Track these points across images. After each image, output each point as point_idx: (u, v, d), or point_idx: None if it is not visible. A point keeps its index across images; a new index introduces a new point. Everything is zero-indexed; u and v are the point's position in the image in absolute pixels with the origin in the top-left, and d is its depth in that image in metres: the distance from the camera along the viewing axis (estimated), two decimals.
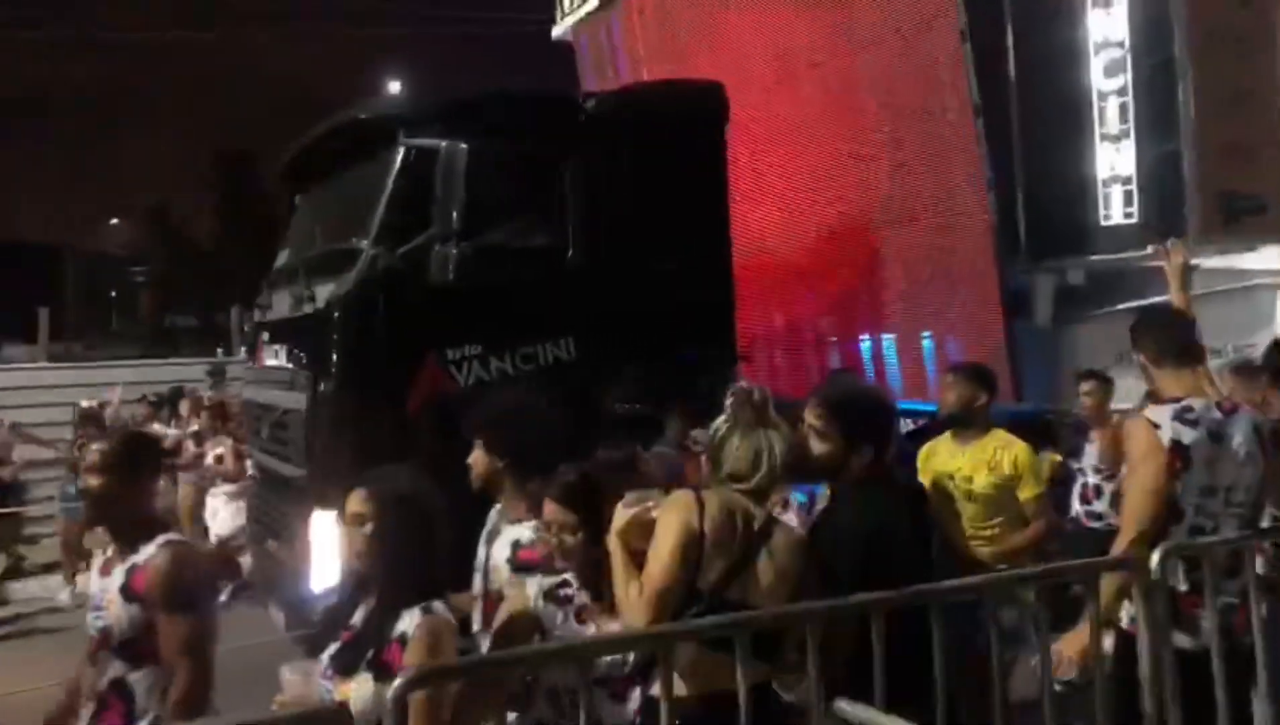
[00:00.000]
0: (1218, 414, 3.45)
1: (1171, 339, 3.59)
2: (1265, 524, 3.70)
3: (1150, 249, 7.08)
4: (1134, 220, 6.75)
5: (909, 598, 2.70)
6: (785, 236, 8.48)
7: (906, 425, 6.95)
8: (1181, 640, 3.23)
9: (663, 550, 2.74)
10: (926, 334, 7.38)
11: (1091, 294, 8.18)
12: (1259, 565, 3.44)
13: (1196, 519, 3.40)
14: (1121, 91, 6.72)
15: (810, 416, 3.11)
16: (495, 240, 6.28)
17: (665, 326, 6.69)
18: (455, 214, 6.00)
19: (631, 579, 2.85)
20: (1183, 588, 3.33)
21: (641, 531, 2.88)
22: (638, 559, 2.84)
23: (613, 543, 2.92)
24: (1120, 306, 8.25)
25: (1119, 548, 3.38)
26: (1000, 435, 4.65)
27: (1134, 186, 6.70)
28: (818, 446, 3.10)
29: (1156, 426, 3.40)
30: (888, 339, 7.69)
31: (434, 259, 5.97)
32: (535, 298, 6.39)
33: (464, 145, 6.01)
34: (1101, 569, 3.26)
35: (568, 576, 3.11)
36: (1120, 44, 6.71)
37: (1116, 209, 6.77)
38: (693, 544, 2.71)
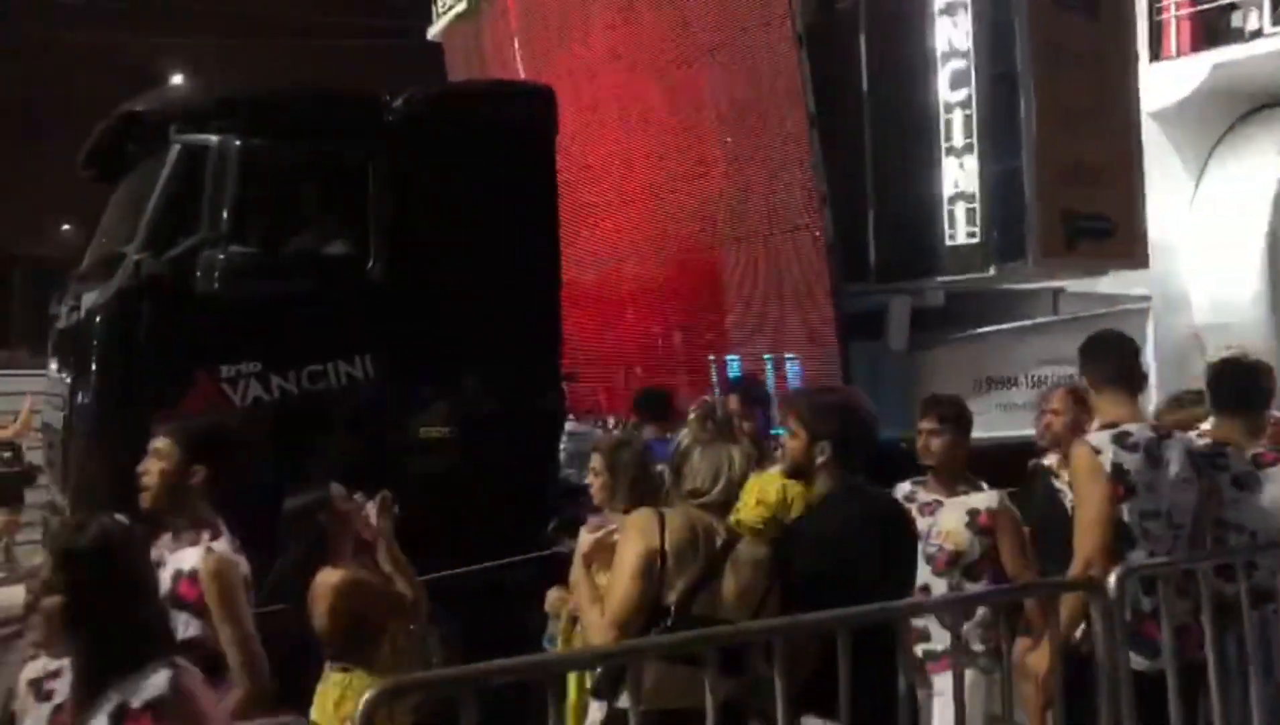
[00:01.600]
0: (1152, 437, 3.58)
1: (1112, 364, 3.71)
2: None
3: (991, 270, 6.84)
4: (976, 240, 6.37)
5: (873, 614, 2.77)
6: (633, 252, 8.09)
7: None
8: (1137, 662, 3.32)
9: (624, 571, 2.75)
10: (768, 357, 7.00)
11: (950, 317, 7.82)
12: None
13: (1146, 544, 3.49)
14: (966, 104, 6.39)
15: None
16: (276, 247, 5.82)
17: (479, 346, 6.26)
18: (225, 218, 5.52)
19: (595, 602, 2.88)
20: (1142, 609, 3.43)
21: (606, 555, 2.92)
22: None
23: (577, 568, 2.97)
24: (980, 330, 7.91)
25: (1074, 571, 3.47)
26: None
27: (977, 205, 6.32)
28: (789, 444, 3.19)
29: (1098, 451, 3.50)
30: (732, 360, 7.31)
31: (201, 266, 5.48)
32: (326, 311, 5.94)
33: (238, 143, 5.53)
34: (1061, 589, 3.42)
35: None
36: (965, 54, 6.37)
37: (961, 228, 6.41)
38: (654, 562, 2.71)
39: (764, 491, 3.56)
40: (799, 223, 6.49)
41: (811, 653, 2.77)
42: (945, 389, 5.63)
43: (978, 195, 6.46)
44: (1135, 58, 6.78)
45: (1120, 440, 3.52)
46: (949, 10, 6.60)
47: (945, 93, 6.65)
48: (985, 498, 4.29)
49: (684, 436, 3.17)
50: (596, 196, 8.50)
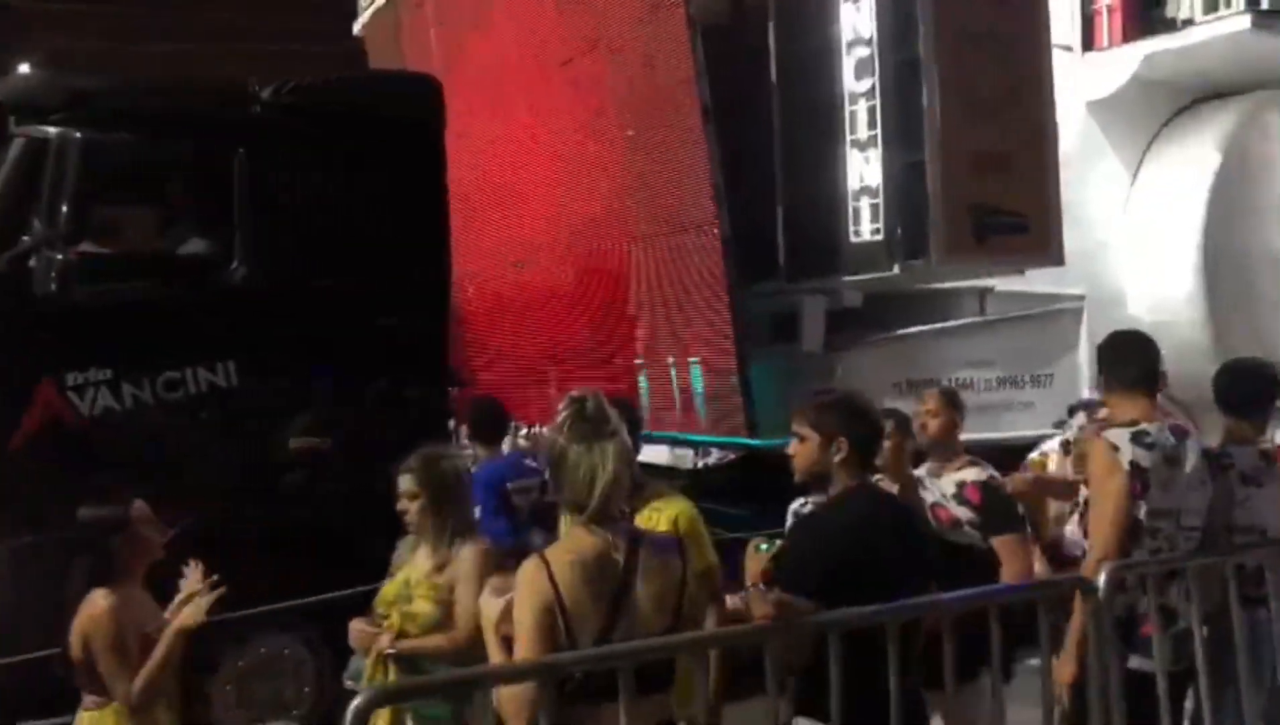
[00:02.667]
0: (1171, 438, 3.64)
1: (1136, 367, 3.76)
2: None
3: (895, 269, 6.54)
4: (880, 237, 6.07)
5: (866, 616, 2.78)
6: (547, 252, 7.77)
7: None
8: (1134, 661, 3.43)
9: (522, 638, 2.59)
10: (671, 361, 6.69)
11: (870, 317, 7.53)
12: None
13: (1154, 542, 3.56)
14: (870, 95, 6.09)
15: (793, 425, 3.17)
16: (127, 247, 5.52)
17: (356, 351, 5.95)
18: (65, 216, 5.20)
19: None
20: (1141, 609, 3.48)
21: (509, 617, 2.70)
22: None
23: (489, 637, 2.78)
24: (901, 331, 7.62)
25: (1087, 570, 3.50)
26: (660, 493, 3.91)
27: (880, 200, 6.02)
28: (799, 452, 3.14)
29: (1115, 448, 3.56)
30: (640, 363, 7.00)
31: (39, 267, 5.16)
32: (184, 314, 5.63)
33: (79, 136, 5.20)
34: (1063, 589, 3.49)
35: None
36: (868, 41, 6.07)
37: (865, 224, 6.11)
38: (553, 618, 2.54)
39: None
40: (698, 219, 6.17)
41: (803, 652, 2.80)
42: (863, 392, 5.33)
43: (881, 190, 6.15)
44: (1049, 44, 6.47)
45: (1139, 439, 3.58)
46: None
47: (850, 82, 6.35)
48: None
49: (554, 438, 2.74)
50: (508, 194, 8.18)
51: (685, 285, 6.36)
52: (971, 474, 4.45)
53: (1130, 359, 3.80)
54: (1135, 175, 9.18)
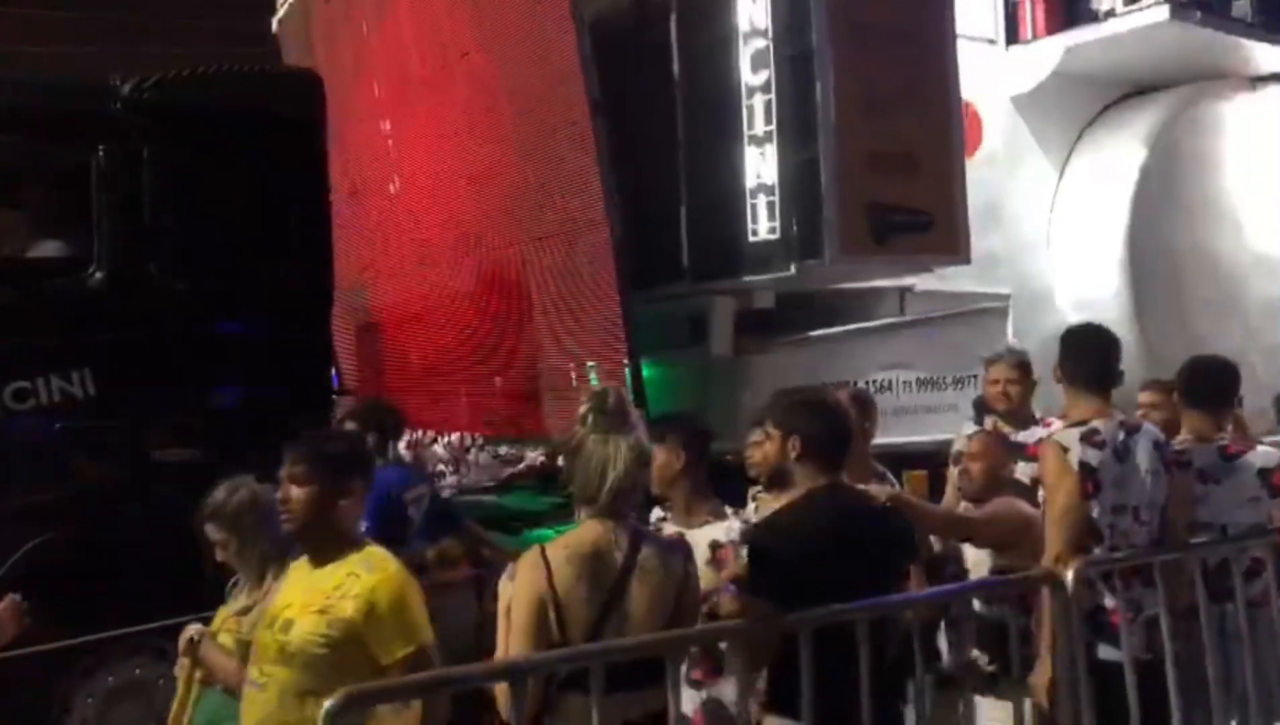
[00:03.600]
0: (1122, 434, 3.68)
1: (1093, 363, 3.78)
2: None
3: (792, 269, 6.31)
4: (776, 236, 5.84)
5: (835, 615, 2.78)
6: (441, 255, 7.50)
7: None
8: (1104, 652, 3.48)
9: (516, 628, 2.62)
10: (570, 366, 6.43)
11: (784, 319, 7.31)
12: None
13: (1113, 539, 3.60)
14: (766, 88, 5.87)
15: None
16: None
17: (229, 358, 5.66)
18: None
19: None
20: (1108, 603, 3.54)
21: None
22: None
23: (501, 623, 2.77)
24: (814, 333, 7.40)
25: (1043, 567, 3.55)
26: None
27: (776, 197, 5.79)
28: (765, 450, 3.23)
29: (1065, 449, 3.61)
30: (540, 368, 6.74)
31: None
32: (35, 320, 5.33)
33: None
34: (1024, 587, 3.63)
35: None
36: (764, 33, 5.84)
37: (763, 223, 5.89)
38: (545, 610, 2.57)
39: None
40: (588, 219, 5.92)
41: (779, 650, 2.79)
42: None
43: (777, 187, 5.92)
44: (954, 37, 6.25)
45: (1088, 438, 3.61)
46: None
47: (747, 76, 6.11)
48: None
49: (577, 430, 2.73)
50: (414, 194, 7.91)
51: (579, 288, 6.10)
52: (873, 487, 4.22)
53: (1087, 355, 3.80)
54: (1063, 172, 9.02)
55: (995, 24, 8.74)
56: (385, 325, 8.49)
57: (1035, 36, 8.59)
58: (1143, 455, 3.68)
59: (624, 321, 5.76)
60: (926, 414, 7.92)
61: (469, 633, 6.74)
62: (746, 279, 6.31)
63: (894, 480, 4.31)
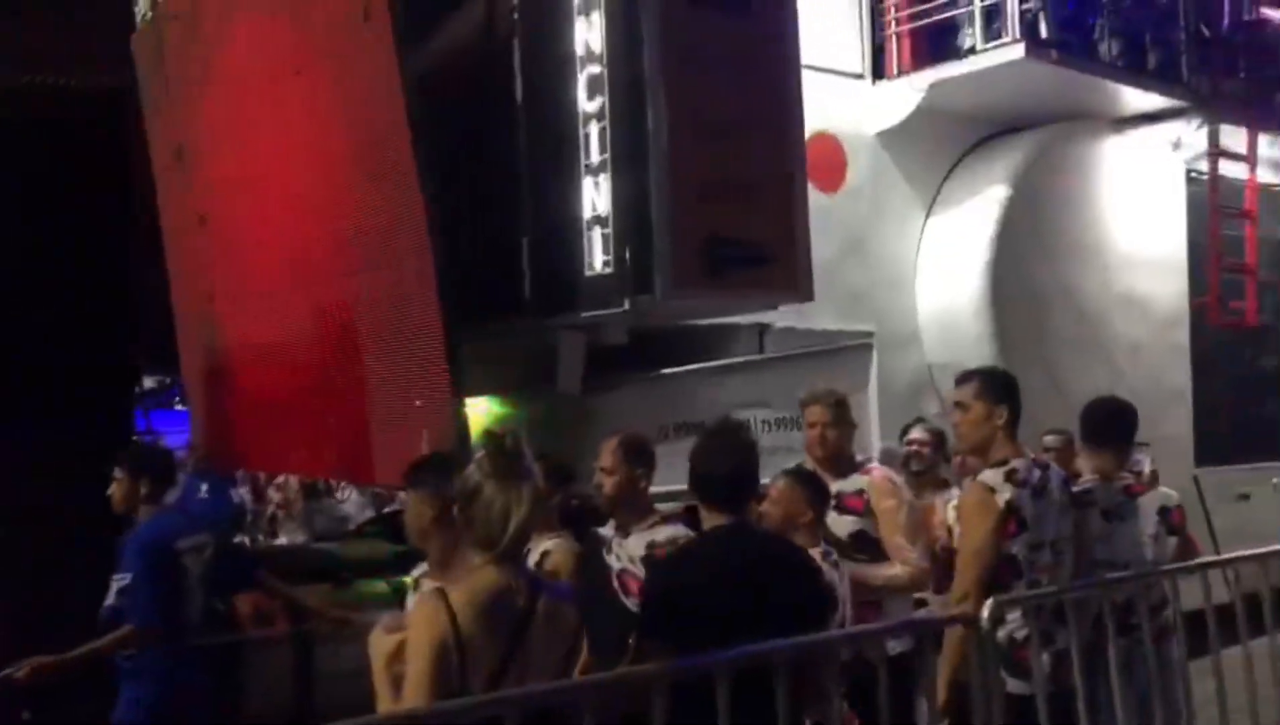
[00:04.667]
0: (1036, 471, 3.81)
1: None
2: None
3: (626, 304, 6.05)
4: (610, 270, 5.56)
5: (751, 656, 2.75)
6: (279, 285, 7.07)
7: None
8: (1013, 685, 3.59)
9: (414, 676, 2.53)
10: (398, 406, 6.04)
11: (638, 355, 7.03)
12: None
13: (1031, 575, 3.70)
14: (600, 115, 5.59)
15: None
16: None
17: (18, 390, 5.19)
18: None
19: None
20: (1018, 636, 3.64)
21: (401, 655, 2.65)
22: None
23: (379, 676, 2.74)
24: (667, 371, 7.14)
25: (952, 603, 3.71)
26: None
27: (610, 229, 5.51)
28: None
29: (992, 490, 3.71)
30: (370, 407, 6.34)
31: None
32: None
33: None
34: (940, 625, 3.64)
35: None
36: (599, 58, 5.58)
37: (598, 256, 5.61)
38: (448, 655, 2.50)
39: None
40: (412, 248, 5.56)
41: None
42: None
43: (611, 219, 5.65)
44: (799, 65, 6.07)
45: (1011, 477, 3.72)
46: (585, 8, 5.81)
47: (583, 102, 5.84)
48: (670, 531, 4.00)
49: (472, 472, 2.67)
50: (253, 221, 7.48)
51: (404, 321, 5.73)
52: (664, 533, 3.92)
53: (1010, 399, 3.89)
54: (930, 209, 8.93)
55: (862, 59, 8.66)
56: (230, 360, 8.01)
57: (901, 72, 8.50)
58: (1056, 492, 3.84)
59: (447, 357, 5.40)
60: (787, 454, 7.66)
61: (286, 692, 6.32)
62: (585, 315, 6.00)
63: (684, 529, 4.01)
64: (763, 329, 7.88)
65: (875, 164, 8.64)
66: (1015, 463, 3.75)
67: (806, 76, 8.18)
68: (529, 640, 2.60)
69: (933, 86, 8.26)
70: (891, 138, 8.63)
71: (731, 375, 7.32)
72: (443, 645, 2.48)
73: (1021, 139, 8.90)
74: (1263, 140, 9.86)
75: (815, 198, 8.28)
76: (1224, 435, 9.95)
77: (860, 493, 4.23)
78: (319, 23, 6.21)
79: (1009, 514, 3.66)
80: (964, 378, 3.96)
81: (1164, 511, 4.38)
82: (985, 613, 3.37)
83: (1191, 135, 9.20)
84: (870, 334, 8.46)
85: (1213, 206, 9.20)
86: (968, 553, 3.73)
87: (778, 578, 3.06)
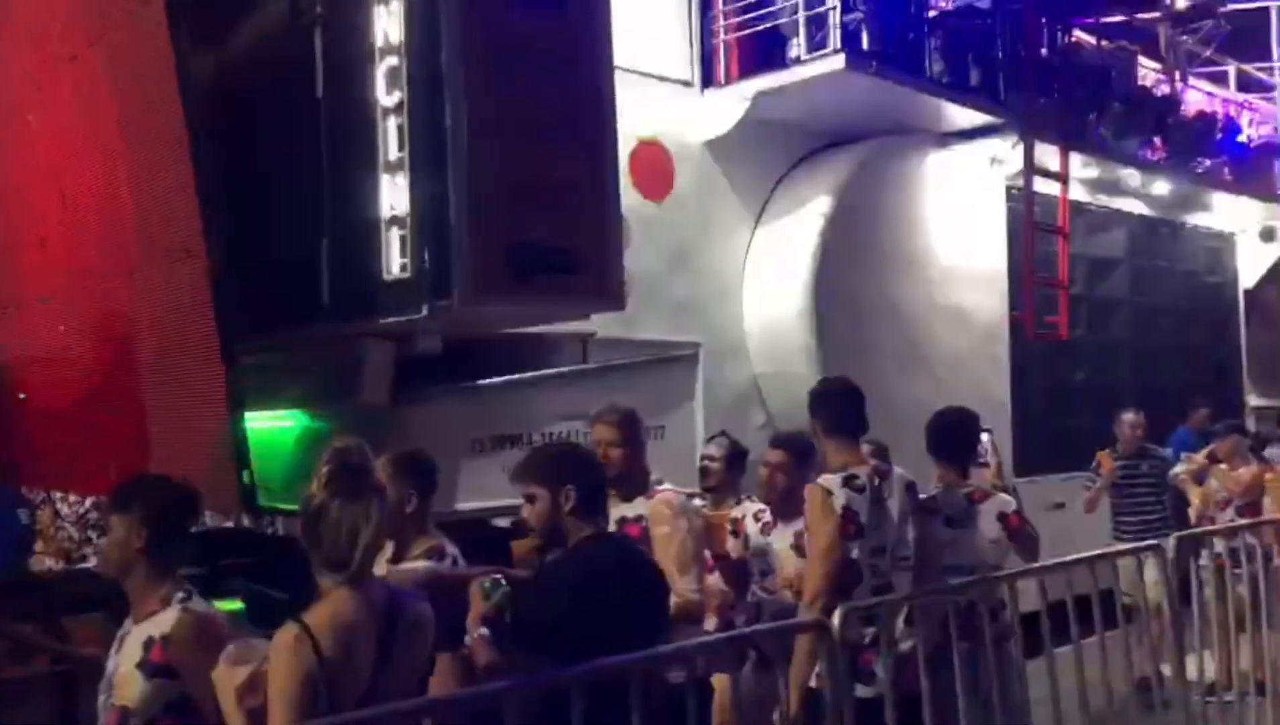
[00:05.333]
0: (877, 479, 3.98)
1: (841, 411, 4.11)
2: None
3: (424, 310, 5.74)
4: (408, 273, 5.22)
5: (611, 667, 2.80)
6: (57, 287, 6.50)
7: None
8: (860, 690, 3.69)
9: (280, 710, 2.46)
10: (176, 418, 5.57)
11: (454, 365, 6.70)
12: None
13: (874, 579, 3.84)
14: (399, 110, 5.26)
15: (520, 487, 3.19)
16: None
17: None
18: None
19: None
20: (865, 642, 3.74)
21: (255, 688, 2.57)
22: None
23: (230, 711, 2.62)
24: (483, 382, 6.83)
25: (803, 611, 3.81)
26: None
27: (408, 231, 5.18)
28: (532, 510, 3.14)
29: (830, 493, 3.87)
30: (150, 421, 5.84)
31: None
32: None
33: None
34: (792, 632, 3.72)
35: None
36: (398, 50, 5.25)
37: (396, 259, 5.26)
38: (312, 691, 2.45)
39: None
40: (187, 248, 5.13)
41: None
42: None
43: (409, 220, 5.32)
44: (611, 62, 5.85)
45: (849, 482, 3.91)
46: None
47: (382, 96, 5.50)
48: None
49: (315, 489, 2.60)
50: (32, 219, 6.86)
51: (181, 328, 5.29)
52: (424, 566, 3.61)
53: (837, 405, 4.13)
54: (757, 220, 8.87)
55: (691, 66, 8.54)
56: (10, 370, 7.34)
57: (729, 81, 8.41)
58: (895, 499, 3.99)
59: (223, 366, 4.98)
60: None
61: None
62: (382, 321, 5.65)
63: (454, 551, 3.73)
64: (586, 339, 7.66)
65: (703, 173, 8.52)
66: (856, 469, 3.94)
67: (634, 82, 8.12)
68: (393, 657, 2.59)
69: (758, 95, 8.19)
70: (720, 147, 8.53)
71: (553, 386, 7.08)
72: (309, 675, 2.45)
73: (847, 152, 8.91)
74: (1079, 160, 10.18)
75: (642, 206, 8.19)
76: (1041, 446, 10.20)
77: (640, 518, 4.00)
78: (85, 10, 5.72)
79: (846, 518, 3.83)
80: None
81: (1002, 517, 4.55)
82: (836, 619, 3.46)
83: (1009, 152, 9.38)
84: (697, 345, 8.36)
85: (1028, 222, 9.40)
86: (814, 554, 3.87)
87: (636, 588, 3.10)
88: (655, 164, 8.15)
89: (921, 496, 4.36)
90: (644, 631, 3.02)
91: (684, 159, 8.36)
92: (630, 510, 4.00)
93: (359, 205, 5.74)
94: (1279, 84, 14.18)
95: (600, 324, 7.60)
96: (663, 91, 8.31)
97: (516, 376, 6.97)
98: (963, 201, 9.56)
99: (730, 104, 8.33)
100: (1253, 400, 13.74)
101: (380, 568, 3.12)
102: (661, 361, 7.88)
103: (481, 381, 6.89)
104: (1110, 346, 11.75)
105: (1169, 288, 12.59)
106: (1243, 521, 6.40)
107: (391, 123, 5.43)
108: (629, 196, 8.03)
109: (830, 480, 3.93)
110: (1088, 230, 11.34)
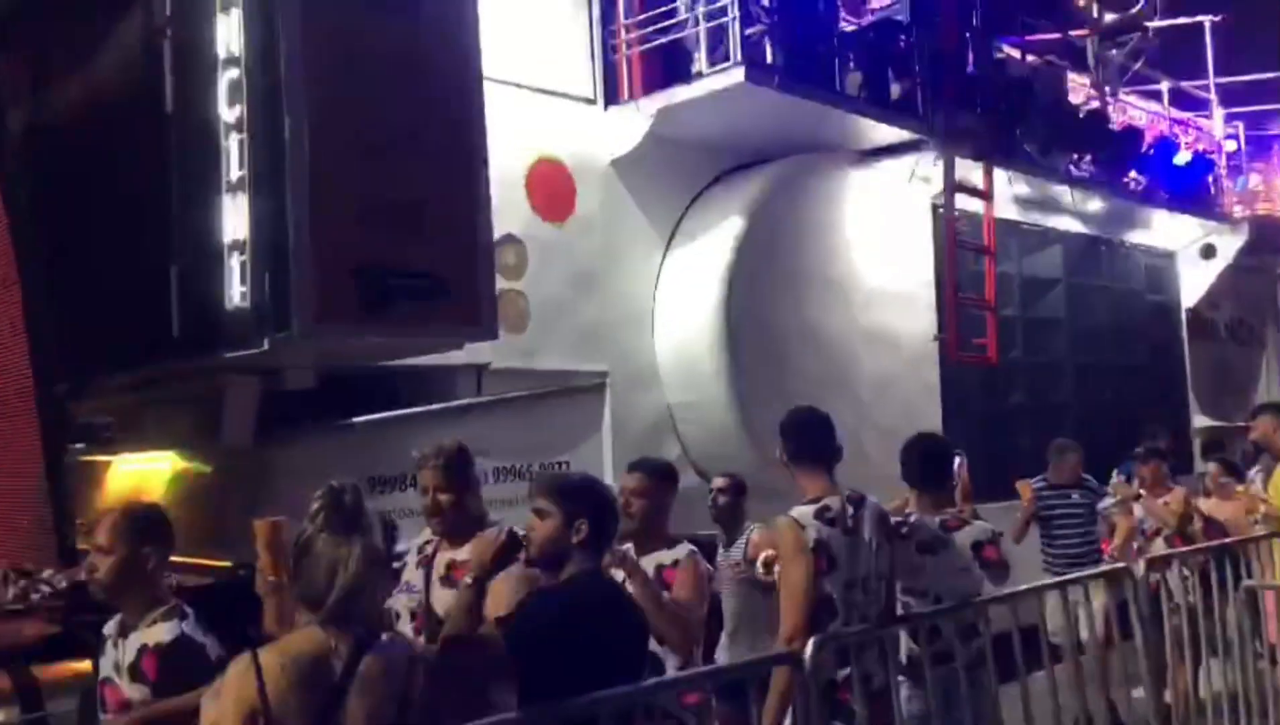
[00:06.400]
0: (851, 509, 3.90)
1: (812, 441, 3.98)
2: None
3: (265, 343, 5.28)
4: (248, 303, 4.77)
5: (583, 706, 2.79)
6: None
7: None
8: None
9: None
10: None
11: (331, 401, 6.25)
12: (902, 649, 4.02)
13: (847, 614, 3.80)
14: (240, 126, 4.81)
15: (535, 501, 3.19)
16: None
17: None
18: None
19: None
20: (839, 677, 3.71)
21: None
22: None
23: None
24: (359, 419, 6.38)
25: (779, 646, 3.73)
26: None
27: (248, 256, 4.73)
28: (539, 527, 3.11)
29: (802, 527, 3.81)
30: None
31: None
32: None
33: None
34: (766, 665, 3.70)
35: None
36: (238, 61, 4.82)
37: (237, 287, 4.81)
38: (249, 718, 2.40)
39: None
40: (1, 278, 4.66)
41: None
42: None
43: (249, 244, 4.88)
44: (479, 75, 5.45)
45: (821, 515, 3.80)
46: (226, 3, 5.06)
47: (224, 111, 5.08)
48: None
49: (306, 525, 2.53)
50: None
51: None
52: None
53: (807, 435, 3.98)
54: (669, 243, 8.48)
55: (593, 83, 8.16)
56: None
57: (632, 97, 8.03)
58: (869, 529, 3.89)
59: (37, 405, 4.50)
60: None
61: None
62: (227, 355, 5.18)
63: None
64: (481, 370, 7.23)
65: (610, 194, 8.13)
66: (829, 500, 3.83)
67: (532, 99, 7.74)
68: (345, 706, 2.48)
69: (661, 112, 7.81)
70: (625, 166, 8.15)
71: (440, 423, 6.57)
72: (250, 711, 2.39)
73: (762, 170, 8.55)
74: (1006, 177, 9.88)
75: (541, 227, 7.78)
76: (976, 472, 9.80)
77: (466, 562, 3.57)
78: None
79: (819, 552, 3.73)
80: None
81: (977, 545, 4.44)
82: (808, 653, 3.41)
83: (932, 169, 9.05)
84: (604, 374, 7.89)
85: (950, 240, 9.06)
86: (788, 591, 3.77)
87: (617, 624, 3.08)
88: (555, 184, 7.75)
89: (896, 521, 4.31)
90: (624, 671, 3.02)
91: (588, 179, 7.97)
92: (459, 554, 3.57)
93: (205, 230, 5.30)
94: (1214, 100, 14.03)
95: (496, 354, 7.19)
96: (564, 108, 7.93)
97: (397, 413, 6.53)
98: (886, 220, 9.23)
99: (634, 121, 7.95)
100: (1199, 421, 13.48)
101: None
102: (565, 392, 7.41)
103: (358, 418, 6.45)
104: (1048, 368, 11.43)
105: (1109, 307, 12.33)
106: (1176, 550, 6.03)
107: (234, 139, 5.00)
108: (526, 218, 7.67)
109: (802, 513, 3.81)
110: (1023, 250, 11.05)
